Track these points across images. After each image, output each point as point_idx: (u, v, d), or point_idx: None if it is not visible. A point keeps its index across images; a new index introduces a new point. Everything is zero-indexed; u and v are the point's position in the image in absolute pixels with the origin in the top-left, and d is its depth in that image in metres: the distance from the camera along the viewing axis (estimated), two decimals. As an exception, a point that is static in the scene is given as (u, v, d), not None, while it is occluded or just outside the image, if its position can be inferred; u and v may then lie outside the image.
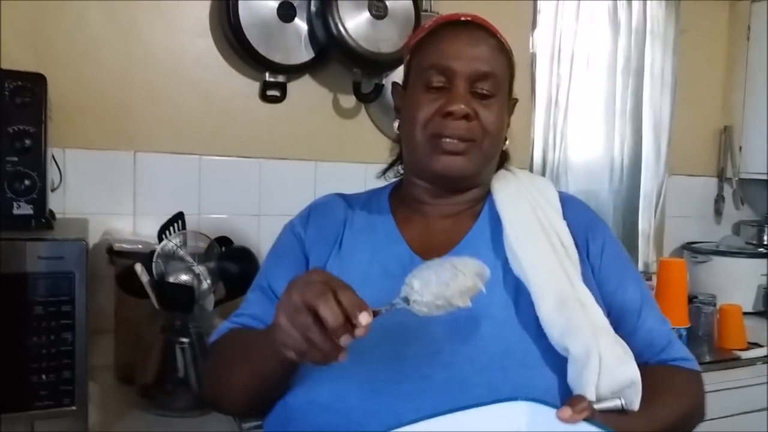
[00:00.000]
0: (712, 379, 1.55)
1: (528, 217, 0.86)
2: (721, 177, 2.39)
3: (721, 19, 2.36)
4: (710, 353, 1.81)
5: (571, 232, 0.87)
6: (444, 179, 0.87)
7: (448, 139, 0.83)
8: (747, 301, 2.07)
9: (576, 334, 0.75)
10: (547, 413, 0.65)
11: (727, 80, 2.38)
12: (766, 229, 2.31)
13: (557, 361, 0.76)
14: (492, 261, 0.83)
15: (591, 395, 0.72)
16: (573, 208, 0.91)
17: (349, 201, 0.96)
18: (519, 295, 0.80)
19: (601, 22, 2.08)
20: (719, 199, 2.39)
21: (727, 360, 1.77)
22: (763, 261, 2.12)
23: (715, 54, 2.37)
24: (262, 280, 0.90)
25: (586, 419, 0.64)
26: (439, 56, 0.84)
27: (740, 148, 2.33)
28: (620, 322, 0.84)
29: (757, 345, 1.86)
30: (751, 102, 2.30)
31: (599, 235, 0.89)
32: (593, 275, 0.86)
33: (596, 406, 0.71)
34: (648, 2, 2.13)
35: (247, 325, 0.86)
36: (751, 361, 1.77)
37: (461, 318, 0.77)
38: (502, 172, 0.95)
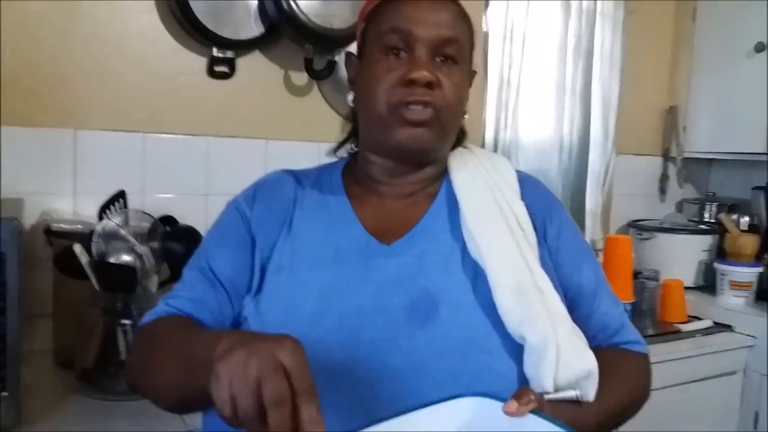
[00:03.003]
0: (654, 351, 1.59)
1: (486, 198, 0.84)
2: (666, 156, 2.45)
3: (668, 2, 2.40)
4: (653, 326, 1.88)
5: (529, 213, 0.86)
6: (405, 152, 0.83)
7: (412, 107, 0.78)
8: (688, 276, 2.14)
9: (533, 323, 0.74)
10: (495, 407, 0.64)
11: (673, 61, 2.43)
12: (707, 207, 2.39)
13: (518, 347, 0.75)
14: (450, 243, 0.82)
15: (548, 386, 0.71)
16: (531, 189, 0.90)
17: (298, 178, 0.91)
18: (478, 278, 0.79)
19: (553, 2, 2.10)
20: (664, 178, 2.46)
21: (668, 333, 1.84)
22: (704, 237, 2.19)
23: (662, 35, 2.42)
24: (201, 259, 0.84)
25: (534, 411, 0.64)
26: (400, 20, 0.80)
27: (684, 128, 2.39)
28: (576, 304, 0.84)
29: (697, 318, 1.94)
30: (696, 83, 2.35)
31: (556, 216, 0.89)
32: (550, 257, 0.85)
33: (549, 397, 0.71)
34: (598, -17, 2.15)
35: (183, 310, 0.80)
36: (691, 334, 1.84)
37: (419, 302, 0.76)
38: (459, 149, 0.92)
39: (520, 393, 0.66)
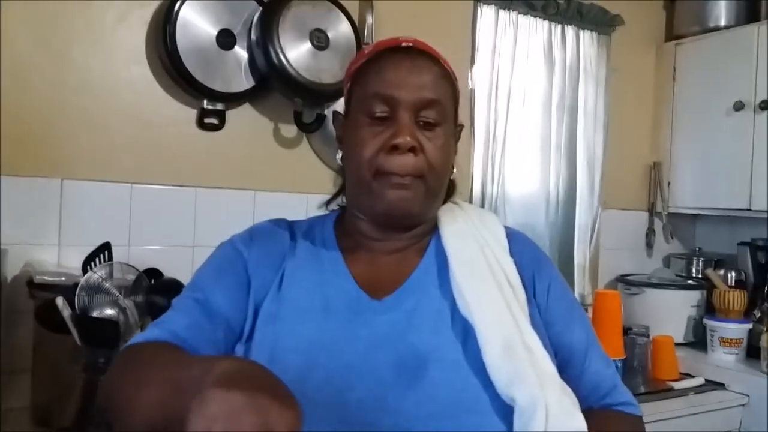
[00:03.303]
0: (647, 410, 1.57)
1: (475, 255, 0.84)
2: (652, 211, 2.48)
3: (648, 60, 2.47)
4: (645, 384, 1.85)
5: (518, 269, 0.85)
6: (391, 216, 0.83)
7: (394, 177, 0.79)
8: (678, 331, 2.13)
9: (522, 383, 0.72)
10: None
11: (656, 118, 2.49)
12: (694, 262, 2.40)
13: (507, 407, 0.73)
14: (439, 300, 0.81)
15: None
16: (520, 245, 0.90)
17: (291, 227, 0.90)
18: (468, 336, 0.77)
19: (537, 60, 2.16)
20: (650, 233, 2.48)
21: (660, 391, 1.81)
22: (692, 293, 2.19)
23: (644, 92, 2.48)
24: (197, 292, 0.80)
25: None
26: (382, 84, 0.80)
27: (668, 183, 2.43)
28: (566, 363, 0.83)
29: (689, 375, 1.92)
30: (678, 139, 2.40)
31: (545, 273, 0.88)
32: (540, 315, 0.84)
33: None
34: (581, 42, 2.22)
35: (178, 334, 0.74)
36: (684, 392, 1.82)
37: (408, 360, 0.75)
38: (449, 205, 0.92)
39: None
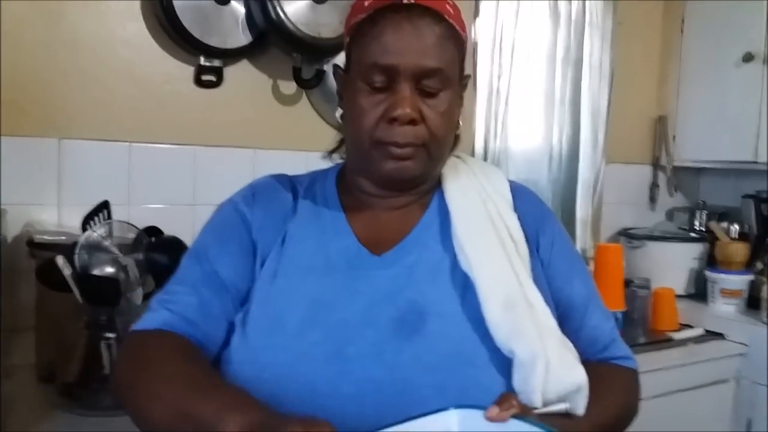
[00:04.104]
0: (646, 360, 1.61)
1: (478, 210, 0.83)
2: (656, 165, 2.46)
3: (656, 13, 2.42)
4: (645, 335, 1.87)
5: (522, 224, 0.85)
6: (392, 182, 0.83)
7: (393, 148, 0.77)
8: (679, 284, 2.14)
9: (522, 337, 0.72)
10: (478, 416, 0.63)
11: (662, 71, 2.45)
12: (697, 215, 2.39)
13: (506, 361, 0.73)
14: (440, 254, 0.81)
15: (537, 401, 0.70)
16: (524, 200, 0.89)
17: (293, 183, 0.89)
18: (467, 290, 0.77)
19: (542, 12, 2.10)
20: (654, 187, 2.46)
21: (660, 341, 1.83)
22: (694, 245, 2.19)
23: (651, 46, 2.43)
24: (203, 262, 0.80)
25: (517, 417, 0.62)
26: (381, 53, 0.76)
27: (674, 137, 2.40)
28: (566, 318, 0.83)
29: (688, 326, 1.93)
30: (685, 92, 2.37)
31: (549, 228, 0.88)
32: (542, 269, 0.84)
33: (539, 411, 0.69)
34: (586, -7, 2.16)
35: (188, 317, 0.75)
36: (683, 342, 1.84)
37: (407, 314, 0.75)
38: (453, 160, 0.90)
39: (502, 398, 0.65)
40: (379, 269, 0.79)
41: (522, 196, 0.89)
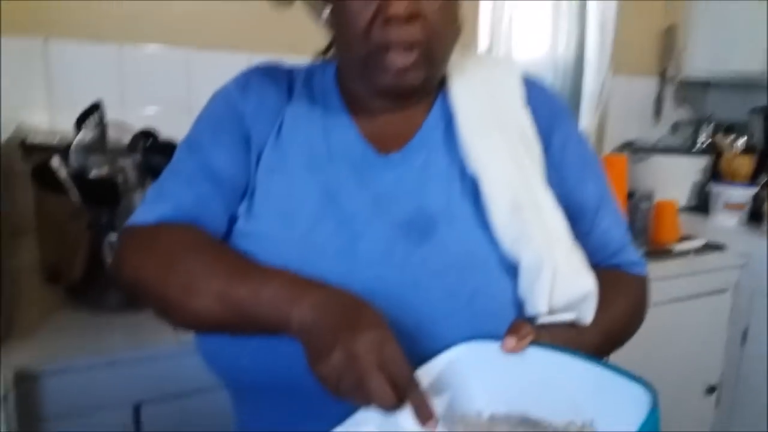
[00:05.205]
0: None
1: (484, 109, 0.78)
2: (663, 77, 2.39)
3: None
4: (645, 246, 1.87)
5: (534, 122, 0.79)
6: (392, 94, 0.76)
7: (392, 54, 0.70)
8: (682, 197, 2.13)
9: (529, 242, 0.70)
10: (492, 349, 0.63)
11: (673, -21, 2.34)
12: (702, 129, 2.36)
13: (515, 266, 0.71)
14: (448, 157, 0.76)
15: (542, 308, 0.68)
16: (538, 96, 0.82)
17: (290, 72, 0.82)
18: (477, 193, 0.74)
19: None
20: (660, 99, 2.41)
21: (660, 252, 1.83)
22: (698, 159, 2.17)
23: (662, -49, 2.32)
24: (196, 154, 0.75)
25: (534, 344, 0.62)
26: None
27: (683, 48, 2.33)
28: (576, 221, 0.79)
29: (689, 238, 1.94)
30: (695, 2, 2.28)
31: (563, 126, 0.82)
32: (554, 170, 0.79)
33: (545, 320, 0.68)
34: None
35: (186, 211, 0.71)
36: (683, 254, 1.84)
37: (417, 218, 0.72)
38: (457, 56, 0.81)
39: (516, 327, 0.63)
40: (387, 170, 0.75)
41: (536, 92, 0.82)
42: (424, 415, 0.54)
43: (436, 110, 0.80)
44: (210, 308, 0.64)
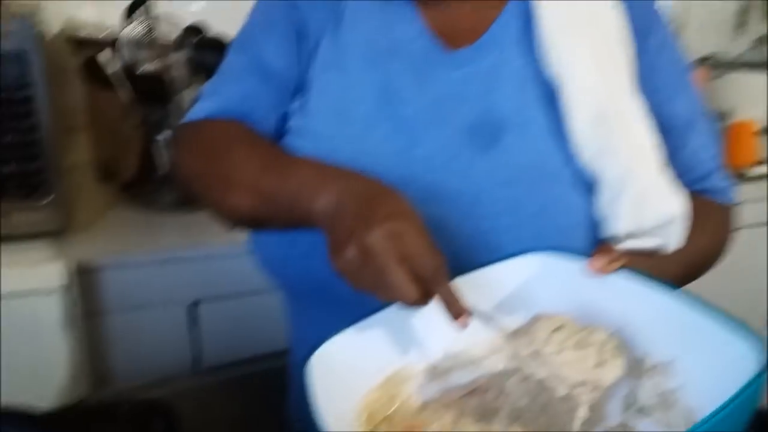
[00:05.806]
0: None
1: (570, 5, 0.69)
2: (750, -15, 2.19)
3: None
4: (718, 168, 1.77)
5: (629, 21, 0.70)
6: None
7: None
8: (761, 117, 1.99)
9: (612, 156, 0.63)
10: (566, 265, 0.56)
11: None
12: (791, 44, 2.17)
13: (591, 182, 0.65)
14: (522, 59, 0.69)
15: (624, 228, 0.63)
16: None
17: None
18: (554, 100, 0.67)
19: None
20: (744, 11, 2.21)
21: (734, 175, 1.73)
22: (784, 77, 2.00)
23: None
24: (247, 50, 0.73)
25: (624, 269, 0.56)
26: None
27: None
28: (665, 137, 0.71)
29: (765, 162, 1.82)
30: None
31: (660, 30, 0.72)
32: (647, 76, 0.70)
33: (624, 246, 0.62)
34: None
35: (232, 108, 0.70)
36: (759, 178, 1.73)
37: (484, 123, 0.66)
38: None
39: (605, 248, 0.58)
40: (454, 68, 0.69)
41: None
42: (455, 310, 0.50)
43: (513, 4, 0.71)
44: (245, 201, 0.62)
